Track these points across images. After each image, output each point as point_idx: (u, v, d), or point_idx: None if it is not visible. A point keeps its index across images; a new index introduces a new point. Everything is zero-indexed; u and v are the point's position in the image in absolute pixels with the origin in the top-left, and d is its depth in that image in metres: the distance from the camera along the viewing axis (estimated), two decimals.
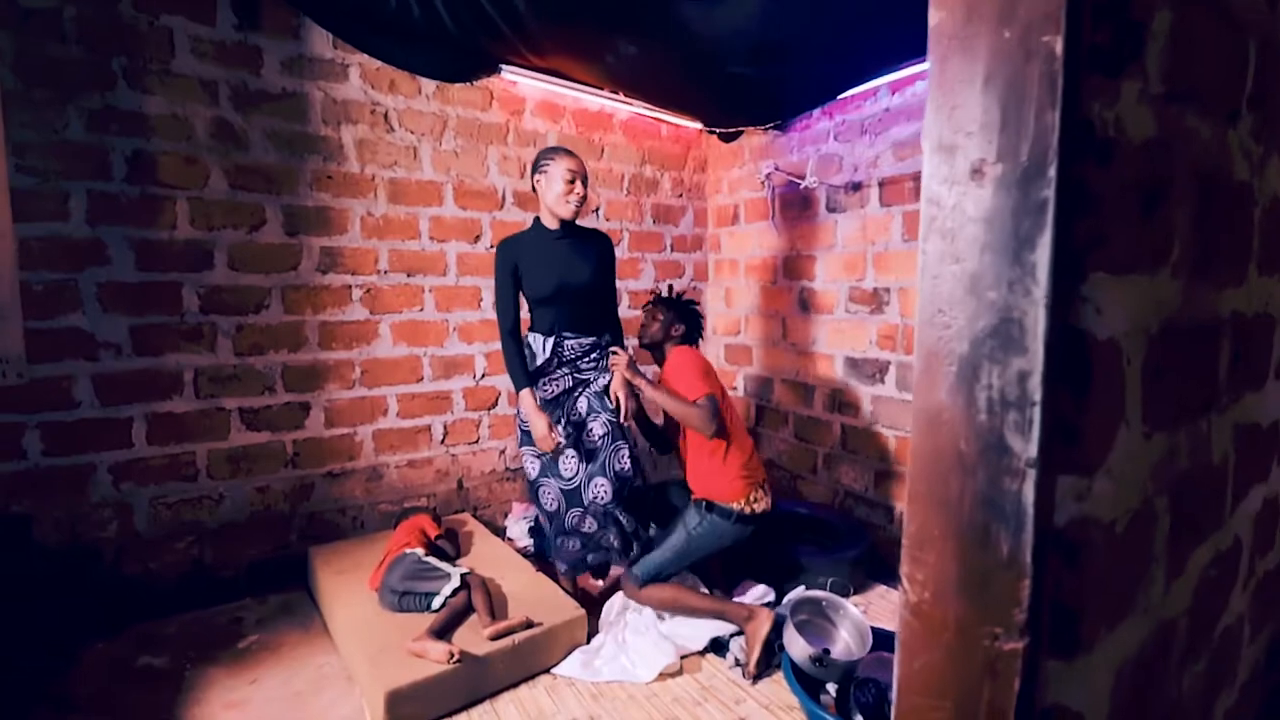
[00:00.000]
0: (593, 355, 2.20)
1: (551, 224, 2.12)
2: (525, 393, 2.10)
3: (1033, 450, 0.45)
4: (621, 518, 2.11)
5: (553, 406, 2.17)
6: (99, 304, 2.11)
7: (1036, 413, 0.45)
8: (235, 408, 2.36)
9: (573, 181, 2.04)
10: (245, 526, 2.41)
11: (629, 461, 2.08)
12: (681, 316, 2.37)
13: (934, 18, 0.49)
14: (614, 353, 2.15)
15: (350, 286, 2.57)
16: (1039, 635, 0.48)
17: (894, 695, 0.56)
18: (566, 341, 2.15)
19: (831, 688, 1.77)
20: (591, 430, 2.11)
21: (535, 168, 2.09)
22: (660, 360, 2.37)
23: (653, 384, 2.13)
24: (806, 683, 1.75)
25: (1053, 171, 0.43)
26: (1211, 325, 0.67)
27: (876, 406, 2.74)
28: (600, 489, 2.08)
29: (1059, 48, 0.42)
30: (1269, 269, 0.81)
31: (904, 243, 2.56)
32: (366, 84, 2.54)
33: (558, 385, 2.17)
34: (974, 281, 0.48)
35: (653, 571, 2.10)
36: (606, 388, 2.17)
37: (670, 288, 2.54)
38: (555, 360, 2.16)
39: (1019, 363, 0.45)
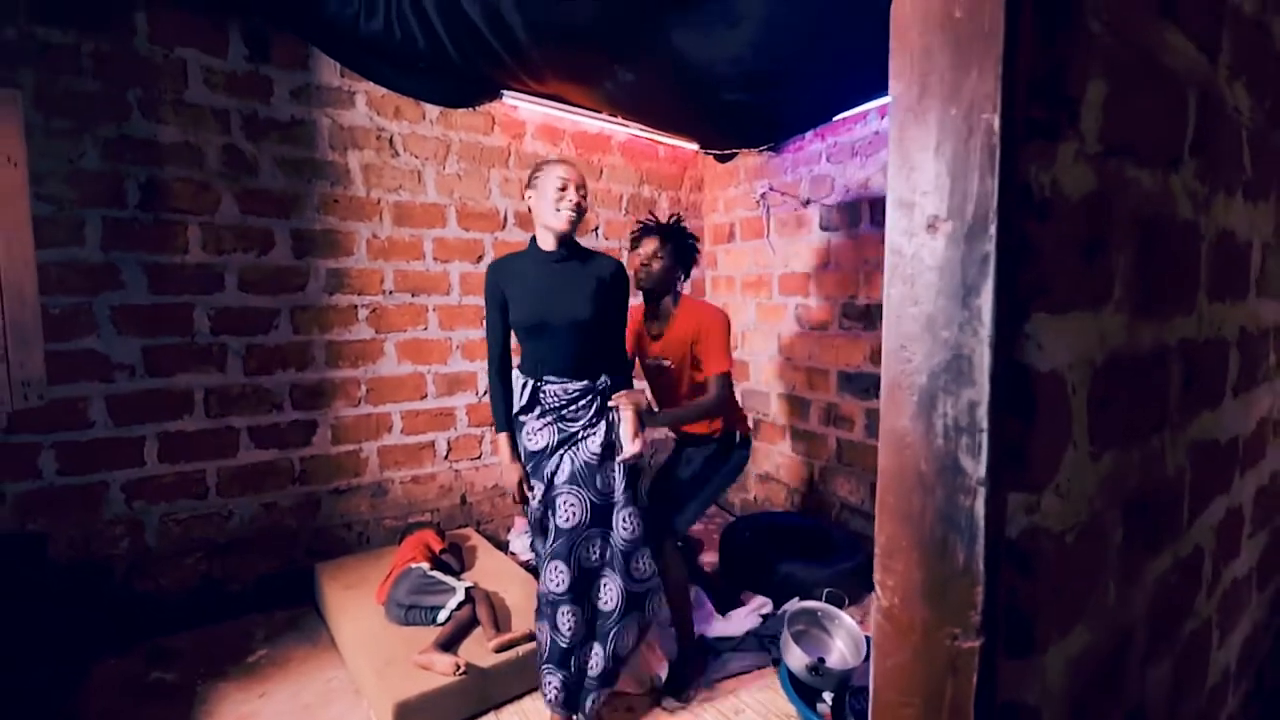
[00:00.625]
0: (581, 404, 1.75)
1: (547, 244, 1.76)
2: (502, 437, 1.82)
3: (982, 471, 0.51)
4: (623, 634, 1.76)
5: (535, 460, 1.78)
6: (113, 326, 2.17)
7: (985, 438, 0.51)
8: (244, 426, 2.42)
9: (564, 188, 1.70)
10: (253, 542, 2.45)
11: (647, 565, 1.79)
12: (682, 256, 2.05)
13: (893, 90, 0.56)
14: (616, 407, 1.78)
15: (356, 306, 2.63)
16: (995, 636, 0.54)
17: (870, 694, 0.61)
18: (548, 387, 1.75)
19: (828, 696, 1.81)
20: (606, 537, 1.76)
21: (528, 183, 1.79)
22: (662, 310, 2.08)
23: (664, 418, 1.97)
24: (803, 692, 1.79)
25: (993, 229, 0.49)
26: (1159, 353, 0.73)
27: (871, 421, 2.79)
28: (609, 593, 1.76)
29: (996, 124, 0.49)
30: (1218, 296, 0.87)
31: None
32: (372, 110, 2.62)
33: (540, 438, 1.77)
34: (930, 322, 0.54)
35: (690, 522, 2.09)
36: (599, 466, 1.74)
37: (677, 217, 2.13)
38: (535, 407, 1.78)
39: (969, 393, 0.52)
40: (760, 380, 3.39)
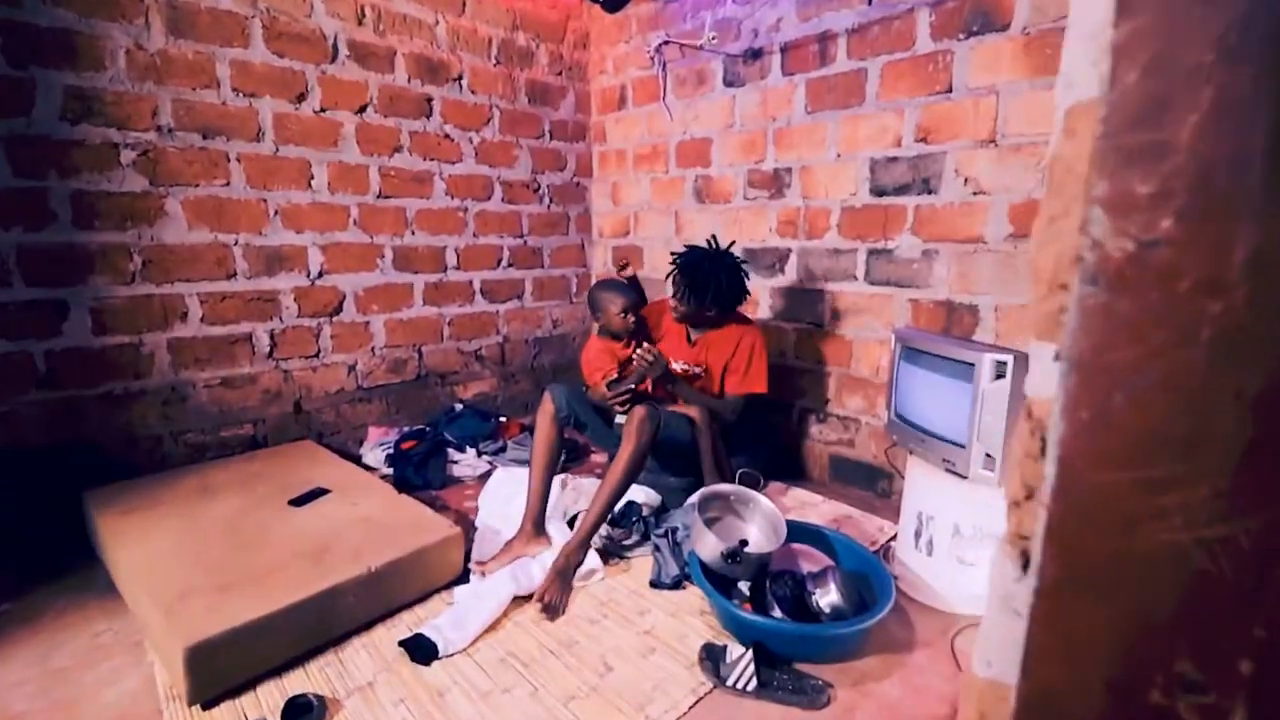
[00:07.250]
0: None
1: None
2: None
3: None
4: None
5: None
6: None
7: None
8: None
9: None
10: None
11: None
12: (706, 294, 2.08)
13: None
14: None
15: (117, 145, 1.91)
16: None
17: None
18: None
19: (745, 585, 1.59)
20: None
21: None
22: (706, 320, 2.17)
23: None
24: (718, 582, 1.55)
25: None
26: None
27: (774, 300, 2.56)
28: None
29: None
30: None
31: (807, 115, 2.34)
32: None
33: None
34: None
35: None
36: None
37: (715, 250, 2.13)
38: None
39: None
40: (655, 266, 3.05)
